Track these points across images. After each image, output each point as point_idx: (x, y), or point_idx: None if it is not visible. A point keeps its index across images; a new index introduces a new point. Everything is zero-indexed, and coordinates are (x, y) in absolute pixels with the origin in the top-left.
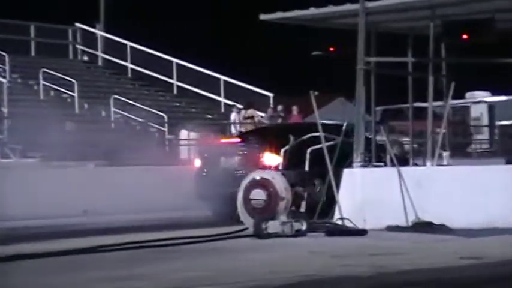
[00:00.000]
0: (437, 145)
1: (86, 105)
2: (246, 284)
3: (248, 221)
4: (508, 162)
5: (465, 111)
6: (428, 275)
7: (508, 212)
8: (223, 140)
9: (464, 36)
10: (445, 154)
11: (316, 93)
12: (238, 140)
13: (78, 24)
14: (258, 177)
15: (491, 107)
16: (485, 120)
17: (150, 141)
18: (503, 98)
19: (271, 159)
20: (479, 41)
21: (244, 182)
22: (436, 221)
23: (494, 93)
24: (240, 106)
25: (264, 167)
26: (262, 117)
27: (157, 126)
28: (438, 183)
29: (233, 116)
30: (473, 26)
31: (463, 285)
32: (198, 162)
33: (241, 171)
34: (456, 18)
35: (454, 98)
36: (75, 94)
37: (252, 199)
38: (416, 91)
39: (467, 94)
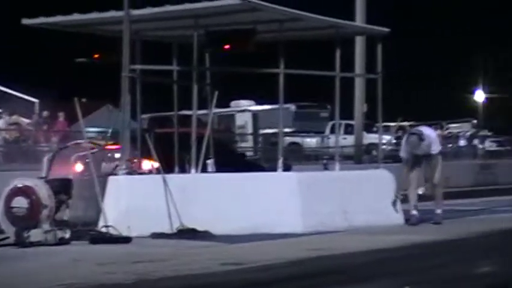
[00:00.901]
0: (202, 152)
1: None
2: None
3: (10, 230)
4: (269, 169)
5: (230, 119)
6: (189, 281)
7: (269, 218)
8: (107, 146)
9: (227, 46)
10: (210, 161)
11: (83, 99)
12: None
13: None
14: (20, 185)
15: (255, 115)
16: (249, 129)
17: None
18: (266, 107)
19: (149, 164)
20: (241, 51)
21: (6, 190)
22: (201, 228)
23: (258, 102)
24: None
25: (142, 172)
26: (28, 123)
27: None
28: (202, 190)
29: None
30: (235, 36)
31: None
32: (79, 167)
33: None
34: (219, 28)
35: (220, 106)
36: None
37: (13, 207)
38: (183, 99)
39: (233, 103)
